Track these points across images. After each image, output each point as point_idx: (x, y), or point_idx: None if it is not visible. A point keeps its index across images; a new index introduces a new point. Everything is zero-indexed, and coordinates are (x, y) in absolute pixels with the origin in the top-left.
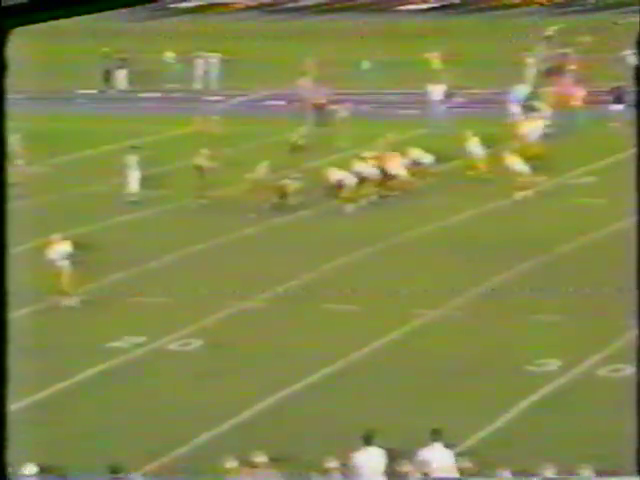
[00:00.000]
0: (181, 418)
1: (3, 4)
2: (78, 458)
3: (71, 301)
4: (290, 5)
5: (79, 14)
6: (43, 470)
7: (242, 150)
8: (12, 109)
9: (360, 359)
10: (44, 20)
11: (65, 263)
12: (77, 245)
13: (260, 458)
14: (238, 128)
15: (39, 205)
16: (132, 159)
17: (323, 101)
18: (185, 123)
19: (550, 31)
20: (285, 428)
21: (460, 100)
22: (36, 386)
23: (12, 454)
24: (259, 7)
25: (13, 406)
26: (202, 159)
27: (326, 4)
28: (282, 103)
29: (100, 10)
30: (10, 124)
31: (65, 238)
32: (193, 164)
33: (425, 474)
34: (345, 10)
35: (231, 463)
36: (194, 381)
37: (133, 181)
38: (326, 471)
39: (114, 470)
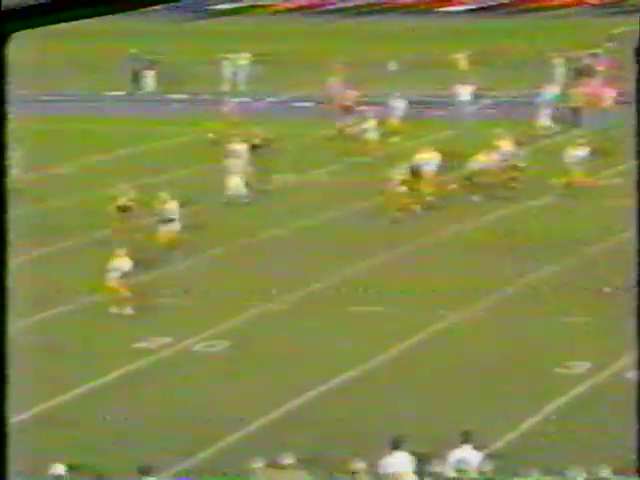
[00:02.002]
0: (207, 419)
1: (3, 7)
2: (106, 458)
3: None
4: (325, 7)
5: (81, 18)
6: (72, 470)
7: (271, 151)
8: (43, 110)
9: (387, 361)
10: (45, 24)
11: (119, 275)
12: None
13: (287, 459)
14: (264, 130)
15: (67, 206)
16: (234, 162)
17: (350, 103)
18: (212, 124)
19: (617, 30)
20: (311, 430)
21: (488, 102)
22: (65, 386)
23: (42, 454)
24: (297, 9)
25: (42, 406)
26: (123, 199)
27: (361, 6)
28: (310, 104)
29: (102, 14)
30: (42, 124)
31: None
32: (116, 205)
33: (455, 477)
34: (378, 12)
35: (258, 464)
36: (220, 382)
37: (234, 186)
38: (353, 473)
39: (142, 470)
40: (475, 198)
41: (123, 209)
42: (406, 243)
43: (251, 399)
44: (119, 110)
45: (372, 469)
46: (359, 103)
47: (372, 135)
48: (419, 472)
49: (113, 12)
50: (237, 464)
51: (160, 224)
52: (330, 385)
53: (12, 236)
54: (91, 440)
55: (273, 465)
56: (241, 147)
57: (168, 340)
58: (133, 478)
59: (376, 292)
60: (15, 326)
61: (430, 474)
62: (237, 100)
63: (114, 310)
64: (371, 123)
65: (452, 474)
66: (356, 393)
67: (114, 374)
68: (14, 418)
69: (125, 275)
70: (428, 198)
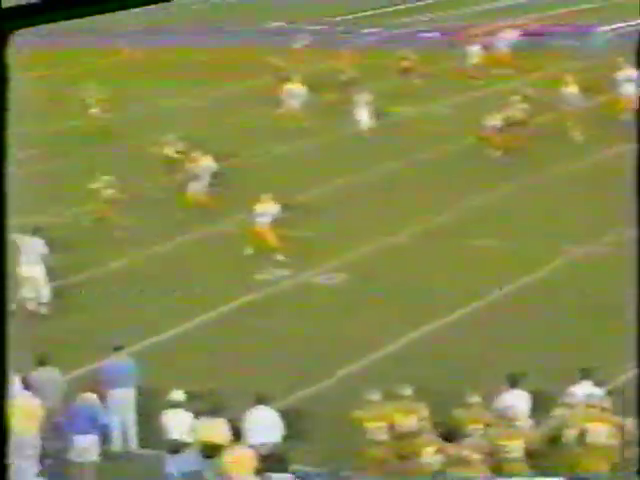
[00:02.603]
0: (325, 350)
1: (3, 6)
2: (225, 386)
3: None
4: None
5: (80, 16)
6: (190, 396)
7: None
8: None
9: (506, 296)
10: (45, 22)
11: (268, 221)
12: (285, 207)
13: (406, 391)
14: (378, 61)
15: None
16: (361, 97)
17: (478, 32)
18: (336, 57)
19: None
20: (428, 363)
21: (621, 30)
22: (186, 315)
23: (163, 380)
24: None
25: (165, 335)
26: (169, 149)
27: None
28: (436, 35)
29: (101, 12)
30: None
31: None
32: (163, 155)
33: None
34: None
35: (374, 396)
36: (338, 315)
37: (363, 120)
38: (469, 406)
39: (261, 399)
40: (608, 130)
41: (169, 161)
42: (525, 176)
43: (368, 332)
44: (243, 41)
45: (488, 404)
46: (484, 34)
47: (483, 67)
48: (535, 409)
49: (111, 10)
50: (353, 396)
51: (188, 182)
52: (448, 319)
53: (150, 165)
54: (210, 368)
55: (391, 396)
56: (297, 87)
57: (288, 272)
58: (249, 406)
59: (495, 226)
60: (142, 255)
61: (561, 405)
62: (366, 31)
63: (248, 252)
64: (477, 54)
65: (569, 411)
66: (474, 328)
67: (234, 304)
68: (139, 345)
69: (275, 220)
70: (570, 131)
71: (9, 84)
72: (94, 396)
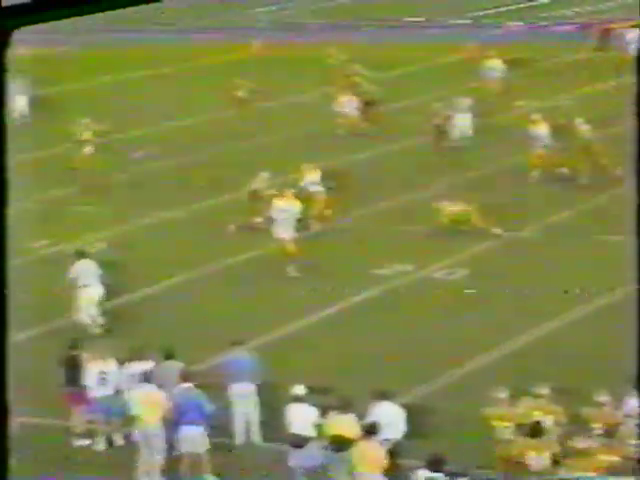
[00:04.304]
0: (446, 346)
1: (4, 4)
2: (345, 382)
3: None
4: None
5: (81, 14)
6: (311, 391)
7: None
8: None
9: (632, 292)
10: (46, 20)
11: (319, 190)
12: (326, 174)
13: (543, 390)
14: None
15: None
16: (463, 101)
17: (612, 26)
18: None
19: None
20: (554, 360)
21: None
22: (307, 310)
23: (284, 375)
24: None
25: (283, 330)
26: (262, 184)
27: None
28: (570, 28)
29: (102, 10)
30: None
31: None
32: (249, 191)
33: None
34: None
35: (502, 394)
36: (459, 310)
37: (458, 125)
38: (599, 405)
39: (382, 395)
40: None
41: (255, 197)
42: None
43: (489, 328)
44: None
45: (616, 404)
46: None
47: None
48: None
49: (114, 8)
50: (477, 392)
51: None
52: (574, 316)
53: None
54: (330, 363)
55: (527, 394)
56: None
57: (409, 267)
58: (372, 402)
59: (623, 221)
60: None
61: None
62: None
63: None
64: None
65: None
66: (602, 324)
67: (354, 300)
68: (258, 340)
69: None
70: None
71: (7, 82)
72: (191, 386)
